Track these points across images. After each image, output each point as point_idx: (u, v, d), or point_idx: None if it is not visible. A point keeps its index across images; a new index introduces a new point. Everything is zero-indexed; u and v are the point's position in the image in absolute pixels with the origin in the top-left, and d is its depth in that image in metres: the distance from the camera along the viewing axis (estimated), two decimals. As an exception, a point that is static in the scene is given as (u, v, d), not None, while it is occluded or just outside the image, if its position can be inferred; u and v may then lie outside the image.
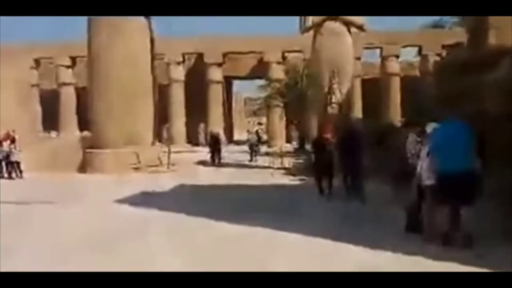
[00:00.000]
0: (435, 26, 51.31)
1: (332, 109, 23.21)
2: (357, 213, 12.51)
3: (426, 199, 9.40)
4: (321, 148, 15.39)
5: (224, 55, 44.23)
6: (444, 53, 44.42)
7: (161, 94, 33.78)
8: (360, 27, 24.36)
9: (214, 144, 28.81)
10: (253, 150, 29.65)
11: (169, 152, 25.20)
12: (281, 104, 39.73)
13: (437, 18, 52.04)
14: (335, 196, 14.58)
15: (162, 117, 32.36)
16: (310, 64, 26.61)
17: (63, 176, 22.06)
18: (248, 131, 35.99)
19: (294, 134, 45.35)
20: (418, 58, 48.04)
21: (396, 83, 44.25)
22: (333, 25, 23.63)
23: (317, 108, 24.59)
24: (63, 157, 24.63)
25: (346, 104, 23.83)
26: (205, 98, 43.80)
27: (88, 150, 24.76)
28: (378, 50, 45.08)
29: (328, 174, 14.98)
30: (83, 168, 24.35)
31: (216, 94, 43.85)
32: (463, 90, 15.81)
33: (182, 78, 44.28)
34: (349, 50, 24.15)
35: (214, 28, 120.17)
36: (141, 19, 28.40)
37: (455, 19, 52.64)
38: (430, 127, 9.72)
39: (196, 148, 38.90)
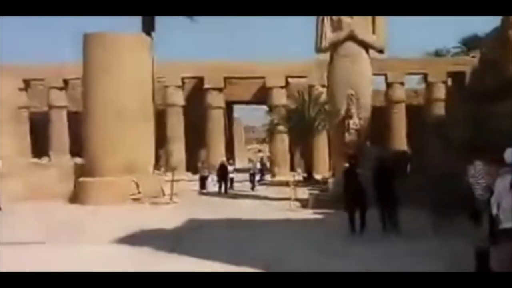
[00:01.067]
0: (438, 54, 49.44)
1: (350, 136, 20.41)
2: (405, 248, 10.92)
3: (501, 245, 7.26)
4: (354, 177, 13.83)
5: (225, 79, 41.56)
6: (449, 81, 42.25)
7: (159, 119, 31.37)
8: (380, 50, 21.70)
9: (222, 173, 26.05)
10: (254, 179, 26.74)
11: (173, 182, 22.25)
12: (285, 131, 37.49)
13: (440, 46, 50.40)
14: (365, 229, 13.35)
15: (159, 143, 29.51)
16: (326, 87, 23.88)
17: (53, 207, 19.15)
18: (249, 159, 33.16)
19: (299, 162, 43.20)
20: (420, 86, 45.97)
21: (401, 110, 41.69)
22: (351, 47, 20.97)
23: (333, 135, 21.85)
24: (54, 185, 21.58)
25: (365, 131, 21.02)
26: (205, 124, 40.97)
27: (81, 178, 21.76)
28: (382, 77, 42.56)
29: (361, 205, 13.51)
30: (75, 197, 21.35)
31: (216, 120, 41.02)
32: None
33: (182, 102, 41.46)
34: (368, 73, 21.50)
35: (214, 53, 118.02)
36: (141, 35, 25.83)
37: (457, 48, 51.20)
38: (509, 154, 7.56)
39: (196, 177, 35.81)
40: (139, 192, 21.07)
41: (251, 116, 73.79)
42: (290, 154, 40.45)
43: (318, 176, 34.33)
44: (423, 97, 43.46)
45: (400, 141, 40.00)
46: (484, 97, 17.84)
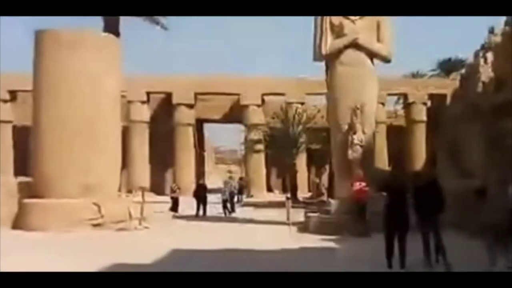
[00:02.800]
0: (414, 76, 46.96)
1: (354, 152, 16.68)
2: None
3: None
4: (400, 197, 10.21)
5: (196, 95, 37.36)
6: (429, 103, 39.45)
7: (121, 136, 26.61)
8: (385, 59, 18.08)
9: (201, 195, 21.99)
10: (233, 201, 22.61)
11: (143, 203, 17.79)
12: (263, 150, 33.59)
13: (415, 69, 48.30)
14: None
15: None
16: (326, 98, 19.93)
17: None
18: (229, 178, 28.88)
19: (276, 182, 39.39)
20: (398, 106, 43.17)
21: (382, 131, 38.37)
22: (355, 54, 17.43)
23: (335, 152, 17.91)
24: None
25: (370, 148, 17.36)
26: (173, 142, 36.57)
27: (27, 200, 17.04)
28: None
29: (402, 231, 10.09)
30: (19, 222, 16.58)
31: (185, 138, 36.69)
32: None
33: (146, 119, 36.98)
34: (373, 84, 17.87)
35: (184, 67, 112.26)
36: (109, 35, 21.46)
37: (434, 70, 48.88)
38: None
39: (161, 198, 31.09)
40: (101, 216, 16.57)
41: (217, 136, 69.82)
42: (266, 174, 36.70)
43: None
44: (404, 118, 40.35)
45: (382, 162, 36.71)
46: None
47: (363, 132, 17.12)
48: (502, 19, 18.00)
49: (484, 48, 26.63)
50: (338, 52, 17.51)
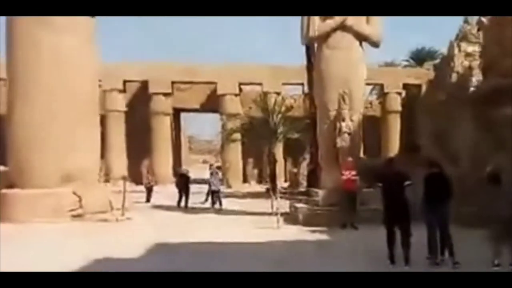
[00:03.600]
0: (388, 65, 46.55)
1: (343, 141, 16.00)
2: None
3: None
4: (398, 187, 9.23)
5: (173, 84, 36.44)
6: (404, 93, 39.18)
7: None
8: (374, 43, 17.32)
9: (184, 185, 21.22)
10: (219, 194, 21.34)
11: (124, 193, 17.05)
12: (240, 139, 32.88)
13: (389, 59, 47.85)
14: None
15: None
16: (314, 83, 19.09)
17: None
18: (212, 173, 27.83)
19: (252, 172, 38.74)
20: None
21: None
22: (344, 37, 16.58)
23: (321, 140, 17.21)
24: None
25: (358, 136, 16.70)
26: (150, 132, 35.65)
27: (3, 190, 16.13)
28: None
29: (403, 221, 9.19)
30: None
31: (162, 127, 35.81)
32: None
33: (123, 108, 35.95)
34: (362, 69, 17.09)
35: (161, 55, 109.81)
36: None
37: (407, 61, 48.57)
38: None
39: (138, 188, 30.27)
40: (81, 207, 15.81)
41: (192, 125, 68.59)
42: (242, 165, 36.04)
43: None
44: (380, 108, 40.06)
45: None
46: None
47: (351, 120, 16.43)
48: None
49: (459, 38, 26.47)
50: (327, 35, 16.68)
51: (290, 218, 16.07)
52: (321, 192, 16.33)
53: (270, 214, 17.19)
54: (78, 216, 15.59)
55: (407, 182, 9.07)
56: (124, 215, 16.40)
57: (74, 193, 15.82)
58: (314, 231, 13.36)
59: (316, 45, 17.99)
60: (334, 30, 16.61)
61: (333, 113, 16.46)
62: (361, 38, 16.93)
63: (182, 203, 21.04)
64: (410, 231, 9.01)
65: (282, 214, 16.25)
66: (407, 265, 8.81)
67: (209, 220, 16.42)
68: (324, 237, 12.58)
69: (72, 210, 15.62)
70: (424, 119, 26.48)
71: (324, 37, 16.80)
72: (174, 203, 21.12)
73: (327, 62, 16.79)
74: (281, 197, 18.19)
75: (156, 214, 18.33)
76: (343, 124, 16.20)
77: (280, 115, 29.68)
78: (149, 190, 23.99)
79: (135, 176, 33.43)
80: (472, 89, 16.72)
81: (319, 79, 17.23)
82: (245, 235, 12.64)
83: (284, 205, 17.16)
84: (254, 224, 15.17)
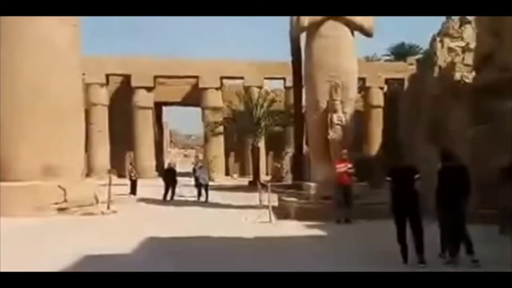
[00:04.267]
0: (369, 60, 46.27)
1: (335, 134, 15.39)
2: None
3: None
4: (408, 180, 8.36)
5: (155, 78, 35.79)
6: (385, 88, 39.02)
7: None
8: (367, 33, 16.76)
9: (170, 178, 20.54)
10: (207, 187, 20.82)
11: (110, 186, 16.46)
12: (222, 133, 32.49)
13: (370, 53, 47.51)
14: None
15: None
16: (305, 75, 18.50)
17: None
18: (196, 160, 27.26)
19: (233, 166, 38.26)
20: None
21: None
22: (335, 26, 15.91)
23: (311, 132, 16.65)
24: None
25: (350, 128, 16.10)
26: (132, 125, 34.96)
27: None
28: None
29: (413, 215, 8.25)
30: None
31: (145, 121, 35.14)
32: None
33: (106, 101, 35.20)
34: (354, 59, 16.51)
35: (144, 49, 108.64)
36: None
37: (387, 55, 48.39)
38: None
39: (122, 181, 29.55)
40: (65, 200, 15.18)
41: (173, 119, 67.90)
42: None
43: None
44: (363, 103, 39.74)
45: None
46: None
47: (343, 111, 15.71)
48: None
49: (442, 33, 26.28)
50: (318, 23, 15.96)
51: (281, 212, 15.25)
52: (312, 185, 15.61)
53: (258, 207, 16.79)
54: (63, 209, 14.97)
55: (417, 175, 8.33)
56: (110, 208, 15.82)
57: (59, 187, 15.19)
58: (310, 226, 12.73)
59: (306, 35, 17.19)
60: (325, 19, 16.03)
61: (324, 104, 15.84)
62: (353, 27, 16.23)
63: (168, 197, 20.49)
64: (422, 225, 8.22)
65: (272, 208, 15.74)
66: (421, 264, 7.99)
67: (199, 214, 15.88)
68: (318, 232, 12.00)
69: (56, 203, 14.98)
70: (413, 113, 26.15)
71: (316, 26, 16.03)
72: (160, 197, 20.57)
73: (318, 51, 16.00)
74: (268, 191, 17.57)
75: (143, 207, 17.78)
76: (335, 115, 15.43)
77: (263, 109, 29.49)
78: (133, 183, 23.36)
79: (118, 169, 32.77)
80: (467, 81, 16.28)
81: (309, 69, 16.51)
82: (239, 230, 12.09)
83: (271, 198, 16.45)
84: (243, 217, 14.70)
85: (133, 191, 22.93)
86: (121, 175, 32.10)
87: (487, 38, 14.44)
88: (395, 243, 8.23)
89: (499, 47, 13.80)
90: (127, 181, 24.13)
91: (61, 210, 14.97)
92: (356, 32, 16.58)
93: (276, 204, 16.11)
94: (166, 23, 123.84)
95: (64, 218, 14.06)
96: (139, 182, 24.23)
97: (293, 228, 12.79)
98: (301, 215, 14.30)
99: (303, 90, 20.38)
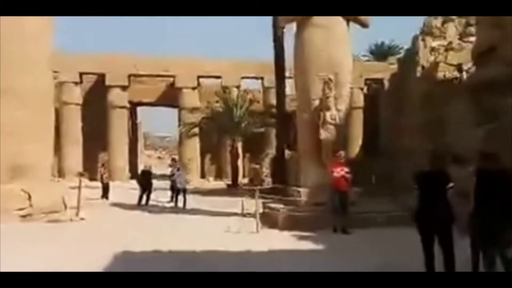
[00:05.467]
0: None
1: (327, 133, 13.85)
2: None
3: None
4: (437, 188, 6.70)
5: (130, 77, 33.99)
6: (365, 88, 37.91)
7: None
8: (363, 23, 15.22)
9: (146, 181, 19.00)
10: (186, 192, 19.06)
11: (80, 191, 14.75)
12: (196, 134, 30.81)
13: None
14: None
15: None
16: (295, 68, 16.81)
17: None
18: (172, 161, 25.34)
19: (209, 168, 36.63)
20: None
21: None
22: (328, 17, 14.34)
23: (301, 131, 15.09)
24: None
25: (343, 128, 14.56)
26: (106, 126, 33.10)
27: None
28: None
29: (442, 227, 6.59)
30: None
31: (120, 121, 33.30)
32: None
33: (79, 100, 33.28)
34: (348, 51, 14.94)
35: (118, 47, 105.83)
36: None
37: (366, 56, 47.26)
38: None
39: (94, 184, 27.65)
40: (30, 205, 13.47)
41: (146, 121, 65.84)
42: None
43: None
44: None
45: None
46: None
47: (337, 109, 14.08)
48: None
49: (424, 32, 25.16)
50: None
51: (266, 220, 13.52)
52: (302, 191, 13.96)
53: (241, 214, 15.27)
54: (27, 216, 13.26)
55: (450, 184, 6.62)
56: (79, 215, 14.11)
57: (23, 190, 13.47)
58: (303, 238, 11.19)
59: (296, 25, 15.54)
60: None
61: (316, 101, 14.25)
62: (348, 17, 14.79)
63: (143, 201, 18.80)
64: (452, 243, 6.54)
65: (251, 215, 14.13)
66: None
67: (177, 222, 14.19)
68: (318, 246, 10.40)
69: (20, 209, 13.26)
70: (396, 113, 24.98)
71: (306, 17, 14.46)
72: (134, 201, 18.84)
73: (310, 42, 14.22)
74: (253, 196, 15.81)
75: (116, 214, 16.07)
76: (328, 113, 13.82)
77: (243, 109, 27.99)
78: (105, 187, 21.63)
79: (90, 171, 30.86)
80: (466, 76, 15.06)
81: (299, 63, 14.80)
82: (224, 242, 10.53)
83: (251, 203, 14.87)
84: (226, 226, 13.16)
85: (105, 194, 21.25)
86: (93, 178, 30.23)
87: (489, 30, 13.18)
88: (409, 257, 6.83)
89: (502, 40, 12.56)
90: (99, 184, 22.42)
91: (25, 216, 13.27)
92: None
93: (260, 211, 14.47)
94: (143, 20, 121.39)
95: (26, 226, 12.34)
96: (112, 185, 22.58)
97: (284, 239, 11.25)
98: (290, 224, 12.67)
99: (293, 88, 18.89)
